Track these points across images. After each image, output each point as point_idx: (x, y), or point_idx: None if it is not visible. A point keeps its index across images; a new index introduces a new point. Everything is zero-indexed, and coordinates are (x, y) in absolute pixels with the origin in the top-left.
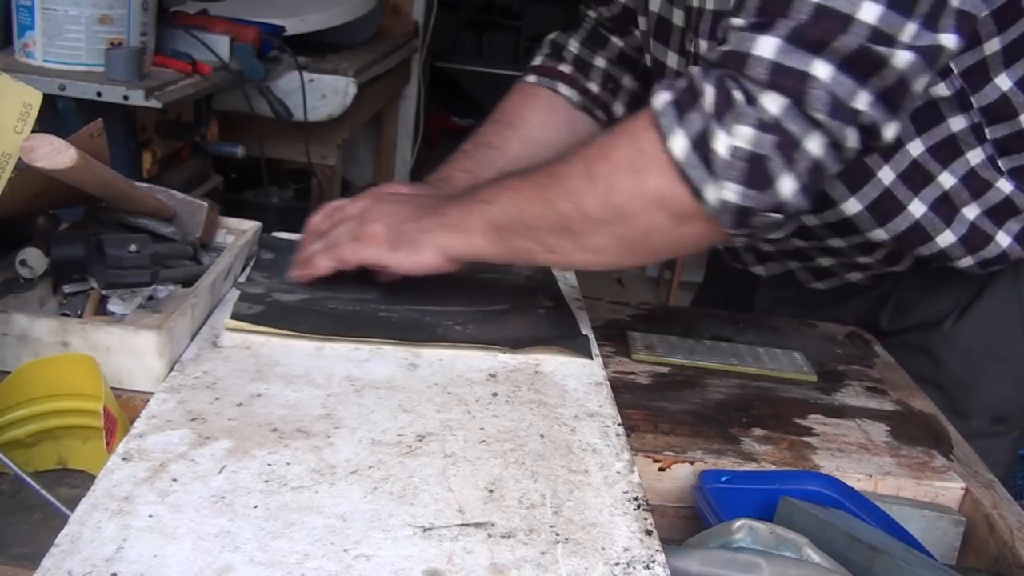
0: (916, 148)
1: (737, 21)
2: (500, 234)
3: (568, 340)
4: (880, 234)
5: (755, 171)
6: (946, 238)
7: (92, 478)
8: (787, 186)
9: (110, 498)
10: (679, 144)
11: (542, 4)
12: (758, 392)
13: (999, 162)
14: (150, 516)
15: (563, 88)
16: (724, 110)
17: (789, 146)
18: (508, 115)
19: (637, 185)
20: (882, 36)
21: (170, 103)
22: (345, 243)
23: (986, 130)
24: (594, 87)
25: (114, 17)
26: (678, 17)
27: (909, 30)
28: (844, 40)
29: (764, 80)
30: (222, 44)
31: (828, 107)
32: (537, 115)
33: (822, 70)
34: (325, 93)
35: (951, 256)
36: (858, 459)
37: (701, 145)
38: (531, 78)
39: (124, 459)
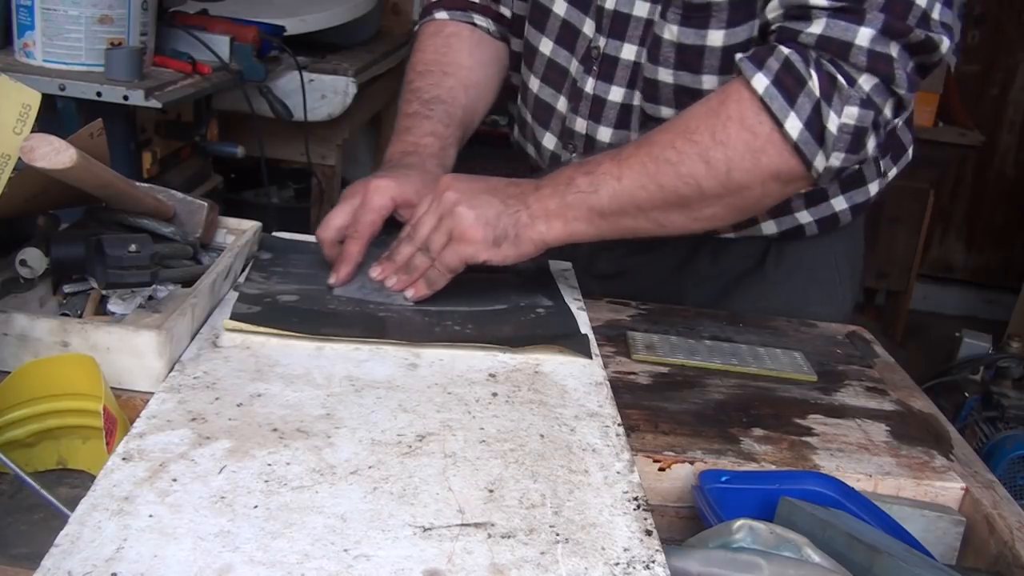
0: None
1: (817, 1)
2: (606, 218)
3: (568, 340)
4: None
5: (857, 140)
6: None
7: (92, 478)
8: (872, 144)
9: (110, 498)
10: (794, 126)
11: None
12: (758, 392)
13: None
14: (150, 516)
15: (479, 20)
16: (831, 93)
17: (878, 115)
18: (440, 63)
19: (755, 164)
20: (940, 26)
21: (170, 103)
22: (444, 248)
23: None
24: (506, 10)
25: (114, 17)
26: None
27: (948, 17)
28: (917, 32)
29: (863, 66)
30: (222, 44)
31: (906, 82)
32: (467, 57)
33: (900, 53)
34: (325, 93)
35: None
36: (858, 459)
37: (814, 125)
38: (441, 14)
39: (124, 459)
